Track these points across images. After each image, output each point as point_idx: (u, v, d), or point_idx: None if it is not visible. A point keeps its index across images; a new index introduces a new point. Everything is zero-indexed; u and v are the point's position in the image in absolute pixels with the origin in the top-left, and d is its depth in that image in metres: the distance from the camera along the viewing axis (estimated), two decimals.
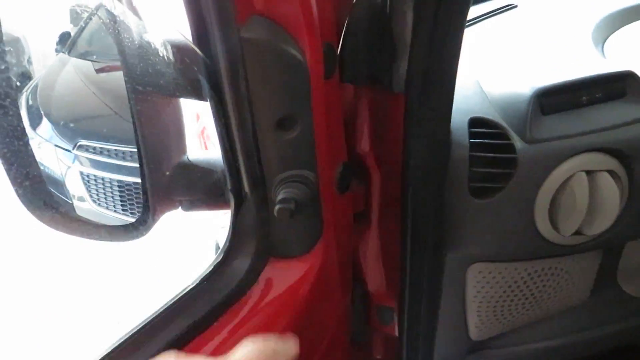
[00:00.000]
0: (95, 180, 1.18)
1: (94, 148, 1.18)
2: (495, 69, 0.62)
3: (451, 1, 0.42)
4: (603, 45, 0.65)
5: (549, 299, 0.62)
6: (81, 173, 1.18)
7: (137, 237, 0.46)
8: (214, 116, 0.40)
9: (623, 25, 0.67)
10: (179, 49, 0.37)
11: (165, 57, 0.38)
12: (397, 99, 0.48)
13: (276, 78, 0.38)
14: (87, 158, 1.17)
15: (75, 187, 1.24)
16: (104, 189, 1.17)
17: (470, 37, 0.74)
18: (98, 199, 1.17)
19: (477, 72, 0.60)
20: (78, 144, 1.15)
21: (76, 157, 1.15)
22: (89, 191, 1.19)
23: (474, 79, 0.58)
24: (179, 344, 0.40)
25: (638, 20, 0.67)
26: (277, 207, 0.39)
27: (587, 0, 0.76)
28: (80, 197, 1.22)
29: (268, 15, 0.37)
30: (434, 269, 0.58)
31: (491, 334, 0.65)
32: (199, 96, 0.41)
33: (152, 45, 0.38)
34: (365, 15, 0.47)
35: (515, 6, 0.81)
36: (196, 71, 0.38)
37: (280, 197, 0.40)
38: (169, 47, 0.37)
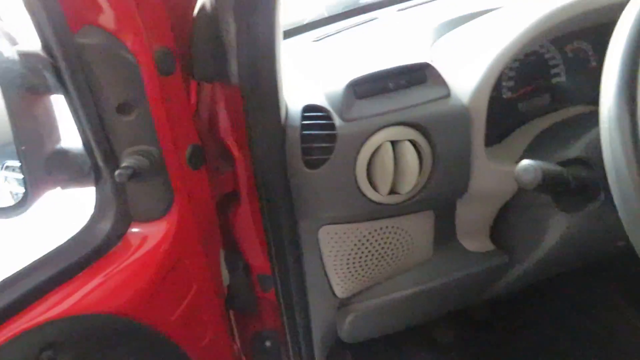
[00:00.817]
0: None
1: None
2: (340, 67, 0.75)
3: (262, 15, 0.55)
4: (432, 45, 0.79)
5: (395, 256, 0.74)
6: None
7: (19, 213, 0.57)
8: (68, 107, 0.51)
9: (450, 30, 0.82)
10: (28, 56, 0.49)
11: (19, 64, 0.49)
12: (238, 91, 0.61)
13: (110, 73, 0.50)
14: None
15: None
16: None
17: (337, 44, 0.88)
18: None
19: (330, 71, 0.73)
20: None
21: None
22: None
23: (322, 76, 0.71)
24: (43, 289, 0.50)
25: (460, 26, 0.81)
26: (116, 172, 0.50)
27: (437, 10, 0.91)
28: None
29: (99, 25, 0.49)
30: (292, 236, 0.69)
31: (354, 290, 0.76)
32: (57, 91, 0.52)
33: (10, 56, 0.49)
34: (205, 25, 0.59)
35: (376, 18, 0.95)
36: (45, 72, 0.49)
37: (122, 165, 0.51)
38: (21, 56, 0.49)
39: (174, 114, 0.56)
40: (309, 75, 0.73)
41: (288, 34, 0.96)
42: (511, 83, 0.77)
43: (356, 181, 0.64)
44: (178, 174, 0.58)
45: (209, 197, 0.65)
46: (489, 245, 0.79)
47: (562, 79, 0.82)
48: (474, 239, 0.79)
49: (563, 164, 0.68)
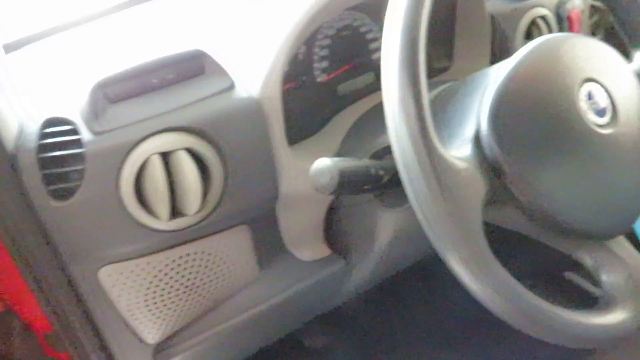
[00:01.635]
0: None
1: None
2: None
3: None
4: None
5: (210, 285, 0.62)
6: None
7: None
8: None
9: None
10: None
11: None
12: None
13: None
14: None
15: None
16: None
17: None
18: None
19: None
20: None
21: None
22: None
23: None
24: None
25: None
26: None
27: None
28: None
29: None
30: (64, 284, 0.54)
31: (168, 332, 0.63)
32: None
33: None
34: None
35: None
36: None
37: None
38: None
39: None
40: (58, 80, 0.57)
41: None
42: (325, 64, 0.67)
43: (125, 208, 0.50)
44: None
45: None
46: (324, 251, 0.70)
47: None
48: (306, 247, 0.69)
49: (376, 154, 0.59)
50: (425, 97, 0.39)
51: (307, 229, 0.67)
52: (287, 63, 0.56)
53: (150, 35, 0.69)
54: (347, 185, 0.46)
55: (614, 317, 0.44)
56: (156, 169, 0.49)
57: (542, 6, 0.77)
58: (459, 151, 0.43)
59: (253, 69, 0.55)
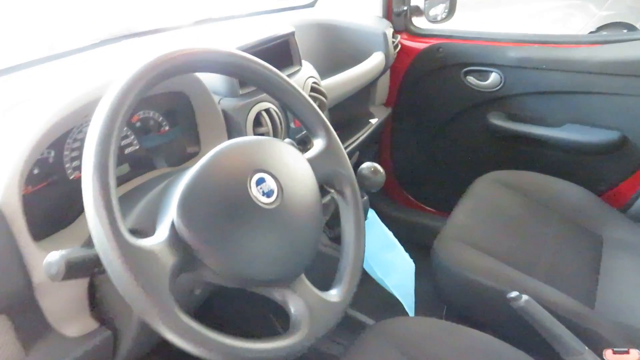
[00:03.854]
0: None
1: None
2: None
3: None
4: None
5: None
6: None
7: None
8: None
9: None
10: None
11: None
12: None
13: None
14: None
15: None
16: None
17: None
18: None
19: None
20: None
21: None
22: None
23: None
24: None
25: None
26: None
27: None
28: None
29: None
30: None
31: None
32: None
33: None
34: None
35: None
36: None
37: None
38: None
39: None
40: None
41: None
42: (77, 162, 0.78)
43: None
44: None
45: None
46: (91, 325, 0.78)
47: (136, 147, 0.87)
48: (72, 324, 0.76)
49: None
50: (114, 202, 0.53)
51: (70, 306, 0.75)
52: (29, 169, 0.66)
53: None
54: (77, 272, 0.57)
55: (294, 339, 0.62)
56: None
57: (266, 101, 0.99)
58: (158, 235, 0.58)
59: None
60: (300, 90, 0.78)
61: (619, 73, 1.41)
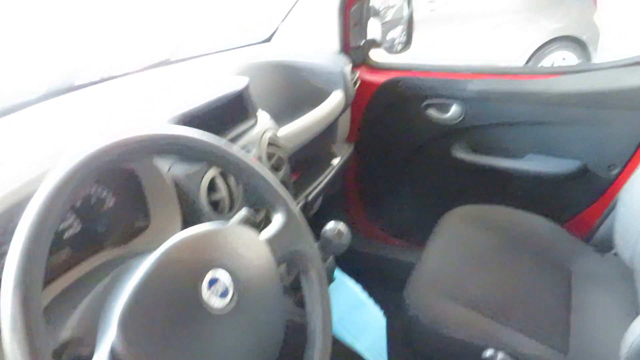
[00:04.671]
0: None
1: None
2: None
3: None
4: None
5: None
6: None
7: None
8: None
9: None
10: None
11: None
12: None
13: None
14: None
15: None
16: None
17: None
18: None
19: None
20: None
21: None
22: None
23: None
24: None
25: None
26: None
27: None
28: None
29: None
30: None
31: None
32: None
33: None
34: None
35: None
36: None
37: None
38: None
39: None
40: None
41: None
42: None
43: None
44: None
45: None
46: None
47: (77, 229, 0.79)
48: None
49: (61, 348, 0.63)
50: (37, 319, 0.46)
51: None
52: None
53: None
54: None
55: None
56: None
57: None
58: (98, 355, 0.51)
59: None
60: (252, 163, 0.72)
61: (578, 104, 1.42)
